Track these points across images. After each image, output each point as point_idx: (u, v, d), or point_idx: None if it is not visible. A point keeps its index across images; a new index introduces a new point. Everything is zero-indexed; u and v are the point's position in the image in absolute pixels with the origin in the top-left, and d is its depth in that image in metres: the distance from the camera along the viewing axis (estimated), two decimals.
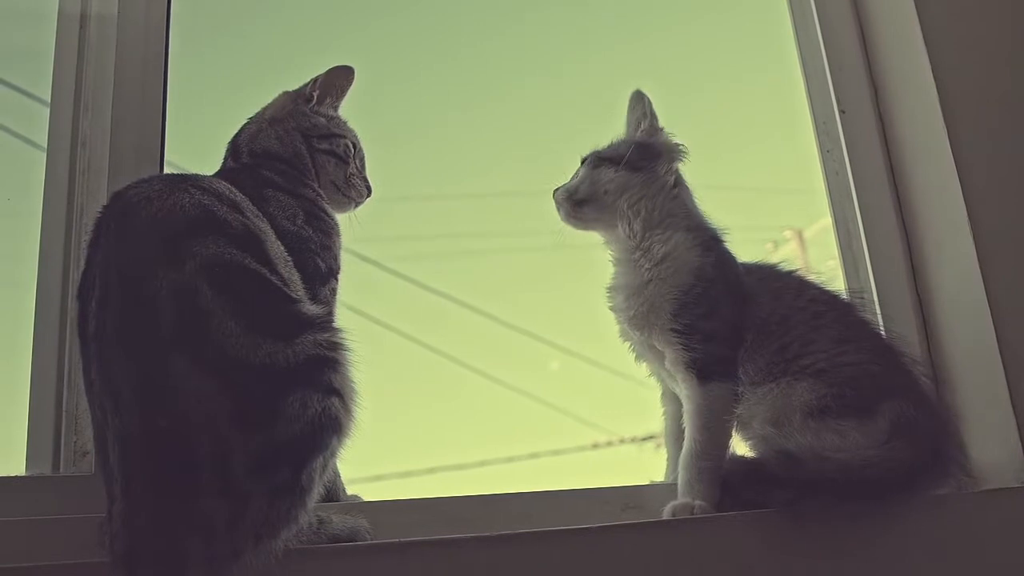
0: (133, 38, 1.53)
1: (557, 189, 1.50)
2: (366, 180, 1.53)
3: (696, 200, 1.54)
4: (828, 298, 1.49)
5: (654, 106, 1.53)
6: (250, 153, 1.44)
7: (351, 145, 1.50)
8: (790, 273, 1.52)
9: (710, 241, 1.47)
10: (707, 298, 1.39)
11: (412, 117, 2.08)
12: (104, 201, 1.26)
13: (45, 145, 1.49)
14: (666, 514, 1.31)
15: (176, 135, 1.52)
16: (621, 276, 1.48)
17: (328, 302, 1.32)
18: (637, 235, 1.45)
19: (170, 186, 1.18)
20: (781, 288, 1.47)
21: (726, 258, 1.47)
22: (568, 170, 1.58)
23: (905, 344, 1.50)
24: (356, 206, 1.52)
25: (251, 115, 1.50)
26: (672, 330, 1.38)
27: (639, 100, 1.54)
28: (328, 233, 1.38)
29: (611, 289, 1.49)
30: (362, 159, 1.54)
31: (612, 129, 1.57)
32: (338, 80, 1.51)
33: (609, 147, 1.51)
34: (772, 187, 2.16)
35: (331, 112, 1.51)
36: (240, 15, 1.97)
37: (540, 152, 1.51)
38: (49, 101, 1.51)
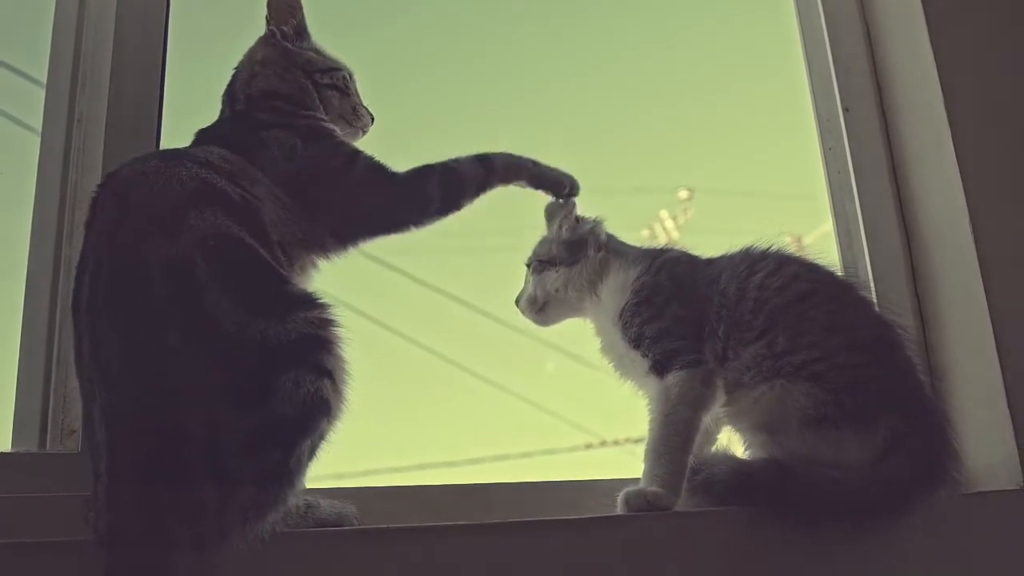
0: (133, 8, 1.52)
1: (518, 300, 1.57)
2: (367, 108, 1.53)
3: (625, 241, 1.60)
4: (816, 276, 1.45)
5: (573, 207, 1.59)
6: (247, 98, 1.42)
7: (348, 76, 1.50)
8: (765, 251, 1.49)
9: (640, 257, 1.52)
10: (649, 305, 1.44)
11: (416, 114, 2.08)
12: (99, 180, 1.25)
13: (39, 127, 1.48)
14: (620, 500, 1.29)
15: (172, 115, 1.51)
16: (599, 337, 1.54)
17: (381, 167, 1.37)
18: (594, 301, 1.53)
19: (167, 161, 1.18)
20: (748, 270, 1.44)
21: (667, 263, 1.50)
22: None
23: (902, 326, 1.46)
24: (363, 134, 1.52)
25: (235, 64, 1.47)
26: (632, 347, 1.42)
27: (555, 208, 1.59)
28: (332, 136, 1.40)
29: (600, 352, 1.54)
30: (356, 86, 1.53)
31: (614, 131, 1.56)
32: (284, 4, 1.47)
33: (544, 249, 1.59)
34: (773, 192, 2.15)
35: (316, 46, 1.49)
36: None
37: (544, 150, 1.50)
38: (44, 81, 1.50)
